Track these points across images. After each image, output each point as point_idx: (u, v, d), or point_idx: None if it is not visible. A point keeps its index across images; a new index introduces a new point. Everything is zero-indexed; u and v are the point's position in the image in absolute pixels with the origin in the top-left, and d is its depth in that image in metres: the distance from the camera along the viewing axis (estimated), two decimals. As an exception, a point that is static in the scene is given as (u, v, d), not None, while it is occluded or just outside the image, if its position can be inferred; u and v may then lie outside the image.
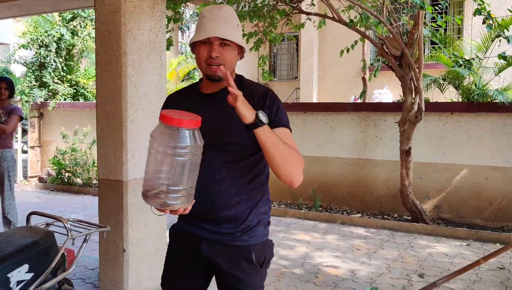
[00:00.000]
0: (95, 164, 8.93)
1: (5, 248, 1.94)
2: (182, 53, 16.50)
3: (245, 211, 1.86)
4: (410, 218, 6.49)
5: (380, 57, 6.98)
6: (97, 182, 8.84)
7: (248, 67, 14.55)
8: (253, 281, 1.90)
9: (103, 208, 3.98)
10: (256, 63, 13.90)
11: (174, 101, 2.00)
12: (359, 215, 6.88)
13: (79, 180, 9.10)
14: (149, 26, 3.98)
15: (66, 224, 2.19)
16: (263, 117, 1.64)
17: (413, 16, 6.31)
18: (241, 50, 1.89)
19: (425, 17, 6.14)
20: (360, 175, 7.16)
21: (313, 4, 7.30)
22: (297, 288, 4.28)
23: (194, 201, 1.68)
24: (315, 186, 7.32)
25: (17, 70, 15.79)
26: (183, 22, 11.29)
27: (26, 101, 10.05)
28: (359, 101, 9.63)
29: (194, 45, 1.86)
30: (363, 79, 9.74)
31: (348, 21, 6.39)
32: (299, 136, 7.46)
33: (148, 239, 4.03)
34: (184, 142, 1.54)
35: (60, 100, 10.40)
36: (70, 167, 9.09)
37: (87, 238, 2.30)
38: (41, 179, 9.57)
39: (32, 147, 10.07)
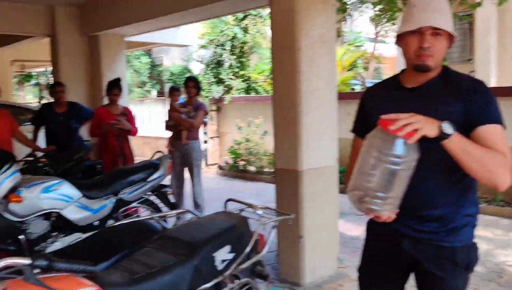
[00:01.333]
0: (267, 153, 9.51)
1: (210, 230, 2.25)
2: (345, 42, 16.39)
3: (451, 212, 1.79)
4: None
5: None
6: (269, 170, 9.41)
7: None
8: (457, 285, 1.84)
9: (280, 196, 4.25)
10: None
11: (374, 95, 1.97)
12: (552, 212, 6.10)
13: (252, 168, 9.77)
14: (321, 21, 4.09)
15: (258, 211, 2.43)
16: (447, 129, 1.56)
17: None
18: (451, 40, 1.78)
19: None
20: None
21: (493, -21, 6.61)
22: (478, 287, 4.02)
23: (394, 215, 1.66)
24: (496, 178, 6.68)
25: (196, 68, 17.54)
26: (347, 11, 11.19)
27: (206, 97, 11.10)
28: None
29: (400, 36, 1.81)
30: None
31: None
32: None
33: (322, 227, 4.19)
34: (398, 151, 1.51)
35: (234, 94, 11.26)
36: (244, 156, 9.83)
37: (276, 224, 2.51)
38: (220, 167, 10.53)
39: (212, 138, 11.11)
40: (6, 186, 3.44)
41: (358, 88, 14.17)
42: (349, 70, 13.55)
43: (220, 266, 2.17)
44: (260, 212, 2.44)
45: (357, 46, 16.11)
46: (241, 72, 11.71)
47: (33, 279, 1.53)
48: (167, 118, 6.04)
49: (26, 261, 1.57)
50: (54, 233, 3.86)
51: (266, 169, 9.58)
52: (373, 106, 1.93)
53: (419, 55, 1.73)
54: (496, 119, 1.72)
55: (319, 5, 4.03)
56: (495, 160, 1.63)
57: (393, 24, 8.80)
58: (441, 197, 1.79)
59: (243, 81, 11.72)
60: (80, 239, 3.71)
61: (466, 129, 1.70)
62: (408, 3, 1.82)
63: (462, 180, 1.78)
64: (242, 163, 9.90)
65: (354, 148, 2.01)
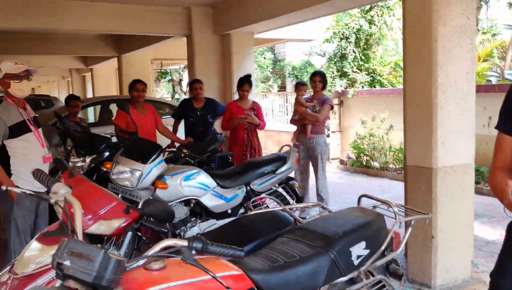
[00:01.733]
0: (392, 149, 9.21)
1: (346, 225, 2.28)
2: (479, 30, 15.13)
3: None
4: None
5: None
6: (394, 167, 9.11)
7: None
8: None
9: (410, 194, 4.11)
10: None
11: None
12: None
13: (376, 164, 9.53)
14: (460, 9, 3.85)
15: (394, 208, 2.39)
16: None
17: None
18: None
19: None
20: None
21: None
22: None
23: None
24: None
25: (317, 62, 17.56)
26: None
27: (329, 90, 11.07)
28: None
29: None
30: None
31: None
32: None
33: (456, 228, 3.97)
34: None
35: (358, 88, 11.06)
36: (368, 151, 9.62)
37: (412, 223, 2.46)
38: (341, 162, 10.45)
39: (333, 132, 11.05)
40: (154, 173, 3.80)
41: (494, 80, 13.04)
42: (484, 61, 12.52)
43: (355, 261, 2.19)
44: (396, 209, 2.40)
45: (493, 34, 14.81)
46: (366, 65, 11.46)
47: (191, 259, 1.69)
48: (292, 112, 6.16)
49: (184, 243, 1.74)
50: (193, 218, 4.18)
51: (390, 165, 9.28)
52: None
53: None
54: None
55: (456, -4, 3.79)
56: None
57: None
58: None
59: (367, 74, 11.46)
60: (216, 225, 4.00)
61: None
62: None
63: None
64: (365, 158, 9.71)
65: (499, 146, 1.88)
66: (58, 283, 1.55)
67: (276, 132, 12.55)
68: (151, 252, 1.74)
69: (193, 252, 1.75)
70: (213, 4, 7.40)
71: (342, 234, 2.19)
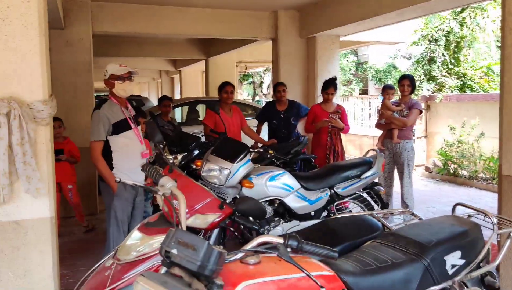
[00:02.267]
0: (483, 157, 8.72)
1: (440, 234, 2.22)
2: None
3: None
4: None
5: None
6: (484, 176, 8.62)
7: None
8: None
9: (505, 205, 3.89)
10: None
11: None
12: None
13: (464, 172, 9.08)
14: None
15: (492, 219, 2.30)
16: None
17: None
18: None
19: None
20: None
21: None
22: None
23: None
24: None
25: (402, 65, 17.00)
26: None
27: (415, 95, 10.70)
28: None
29: None
30: None
31: None
32: None
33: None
34: None
35: (447, 92, 10.59)
36: (456, 158, 9.18)
37: (511, 235, 2.34)
38: (427, 169, 10.06)
39: (419, 138, 10.66)
40: (241, 172, 3.91)
41: None
42: None
43: (450, 271, 2.13)
44: (494, 220, 2.30)
45: None
46: (456, 69, 10.95)
47: (287, 256, 1.74)
48: (377, 116, 6.05)
49: (280, 240, 1.80)
50: (276, 218, 4.26)
51: (480, 175, 8.79)
52: None
53: None
54: None
55: None
56: None
57: None
58: None
59: (457, 78, 10.94)
60: (299, 227, 4.04)
61: None
62: None
63: None
64: (452, 166, 9.27)
65: None
66: (163, 269, 1.68)
67: (357, 136, 12.33)
68: (248, 247, 1.81)
69: (289, 250, 1.81)
70: (299, 7, 7.45)
71: (436, 242, 2.14)
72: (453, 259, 2.14)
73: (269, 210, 4.24)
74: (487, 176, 8.55)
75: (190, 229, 2.64)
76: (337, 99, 7.43)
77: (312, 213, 4.39)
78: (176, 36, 10.37)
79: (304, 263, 1.91)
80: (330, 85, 5.88)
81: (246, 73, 18.68)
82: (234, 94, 5.78)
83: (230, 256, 1.74)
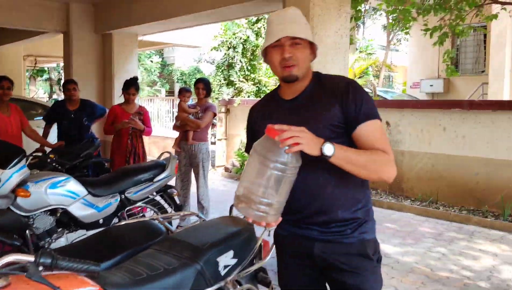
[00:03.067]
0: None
1: (215, 235, 2.24)
2: (357, 49, 16.37)
3: (351, 209, 1.85)
4: None
5: None
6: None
7: (426, 62, 13.77)
8: (374, 278, 1.90)
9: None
10: (434, 58, 13.12)
11: (258, 111, 2.03)
12: (560, 229, 6.03)
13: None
14: (335, 28, 4.09)
15: (263, 217, 2.41)
16: (328, 150, 1.63)
17: None
18: (312, 49, 1.86)
19: None
20: None
21: (510, -8, 6.60)
22: (483, 303, 3.98)
23: (280, 219, 1.72)
24: (504, 193, 6.63)
25: (206, 69, 17.62)
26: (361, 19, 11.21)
27: (216, 98, 11.13)
28: None
29: (266, 53, 1.88)
30: None
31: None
32: (486, 136, 6.84)
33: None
34: (282, 158, 1.57)
35: (244, 97, 11.27)
36: (251, 159, 9.80)
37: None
38: (226, 169, 10.53)
39: (220, 140, 11.12)
40: (15, 180, 3.46)
41: (368, 96, 14.15)
42: (359, 77, 13.53)
43: (222, 271, 2.16)
44: (265, 218, 2.42)
45: (369, 53, 16.10)
46: (252, 76, 11.73)
47: (37, 276, 1.52)
48: (175, 118, 6.06)
49: (30, 258, 1.56)
50: (59, 229, 3.87)
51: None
52: (257, 121, 1.99)
53: (283, 66, 1.81)
54: (373, 114, 1.80)
55: (333, 12, 4.03)
56: (378, 161, 1.76)
57: (406, 33, 8.78)
58: (342, 196, 1.85)
59: (253, 84, 11.73)
60: (85, 236, 3.73)
61: (348, 129, 1.80)
62: (267, 21, 1.89)
63: (354, 177, 1.80)
64: (248, 166, 9.87)
65: None
66: None
67: (162, 138, 12.27)
68: (-10, 268, 1.54)
69: (42, 268, 1.59)
70: (94, 1, 7.03)
71: (210, 244, 2.15)
72: (226, 259, 2.18)
73: (51, 220, 3.83)
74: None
75: None
76: (142, 101, 7.23)
77: (101, 221, 4.11)
78: None
79: (65, 280, 1.71)
80: (131, 85, 5.67)
81: (38, 68, 16.99)
82: (11, 90, 5.11)
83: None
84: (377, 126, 1.80)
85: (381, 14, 15.06)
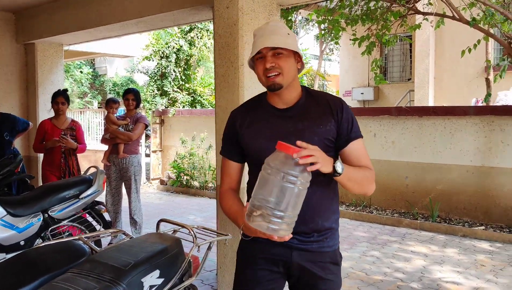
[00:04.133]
0: (211, 168, 9.37)
1: (139, 254, 2.11)
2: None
3: (329, 219, 1.95)
4: (544, 233, 5.86)
5: (507, 56, 6.41)
6: (213, 185, 9.27)
7: (356, 71, 14.25)
8: (339, 281, 2.02)
9: (221, 213, 4.15)
10: (364, 66, 13.60)
11: (242, 115, 2.02)
12: (483, 227, 6.38)
13: (196, 183, 9.60)
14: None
15: (192, 232, 2.32)
16: (339, 168, 1.73)
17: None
18: (299, 58, 1.92)
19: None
20: (484, 184, 6.63)
21: (430, 4, 6.94)
22: (414, 303, 4.09)
23: (291, 235, 1.71)
24: (432, 195, 6.94)
25: (140, 79, 17.19)
26: (293, 28, 11.39)
27: (149, 109, 10.85)
28: (481, 104, 8.94)
29: (252, 65, 1.94)
30: (487, 80, 9.01)
31: (469, 19, 5.97)
32: (414, 141, 7.13)
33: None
34: (299, 173, 1.61)
35: (179, 107, 11.08)
36: (188, 170, 9.64)
37: (211, 245, 2.41)
38: (162, 182, 10.27)
39: (154, 151, 10.85)
40: None
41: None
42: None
43: (148, 292, 2.04)
44: (193, 232, 2.33)
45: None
46: (187, 85, 11.58)
47: None
48: (104, 131, 5.82)
49: None
50: (-26, 254, 3.56)
51: (210, 185, 9.45)
52: (243, 125, 1.99)
53: (267, 76, 1.85)
54: (360, 133, 1.96)
55: (263, 20, 4.01)
56: (369, 177, 1.91)
57: (336, 43, 9.02)
58: (324, 207, 1.93)
59: (188, 94, 11.58)
60: (3, 259, 3.45)
61: (338, 145, 1.92)
62: (253, 35, 1.94)
63: (334, 187, 1.98)
64: (185, 178, 9.70)
65: (224, 170, 2.09)
66: None
67: (93, 152, 11.76)
68: None
69: None
70: (15, 10, 6.63)
71: (134, 264, 2.02)
72: (152, 279, 2.06)
73: (-37, 245, 3.52)
74: (216, 186, 9.24)
75: None
76: (72, 113, 6.87)
77: (22, 243, 3.82)
78: None
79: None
80: (58, 96, 5.38)
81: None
82: None
83: None
84: (362, 144, 1.96)
85: (314, 24, 15.43)
